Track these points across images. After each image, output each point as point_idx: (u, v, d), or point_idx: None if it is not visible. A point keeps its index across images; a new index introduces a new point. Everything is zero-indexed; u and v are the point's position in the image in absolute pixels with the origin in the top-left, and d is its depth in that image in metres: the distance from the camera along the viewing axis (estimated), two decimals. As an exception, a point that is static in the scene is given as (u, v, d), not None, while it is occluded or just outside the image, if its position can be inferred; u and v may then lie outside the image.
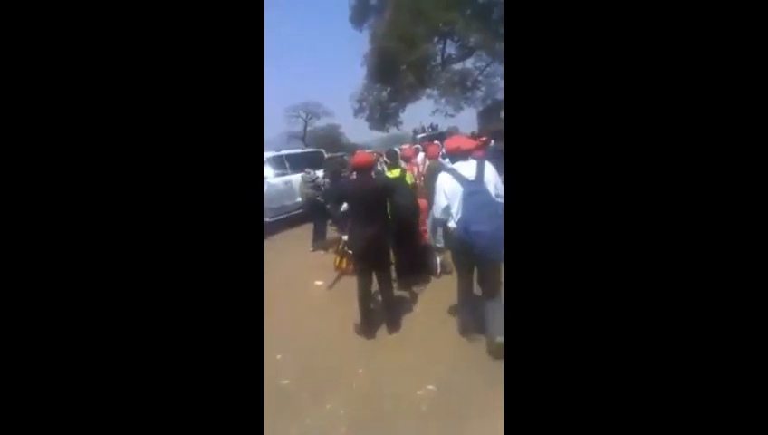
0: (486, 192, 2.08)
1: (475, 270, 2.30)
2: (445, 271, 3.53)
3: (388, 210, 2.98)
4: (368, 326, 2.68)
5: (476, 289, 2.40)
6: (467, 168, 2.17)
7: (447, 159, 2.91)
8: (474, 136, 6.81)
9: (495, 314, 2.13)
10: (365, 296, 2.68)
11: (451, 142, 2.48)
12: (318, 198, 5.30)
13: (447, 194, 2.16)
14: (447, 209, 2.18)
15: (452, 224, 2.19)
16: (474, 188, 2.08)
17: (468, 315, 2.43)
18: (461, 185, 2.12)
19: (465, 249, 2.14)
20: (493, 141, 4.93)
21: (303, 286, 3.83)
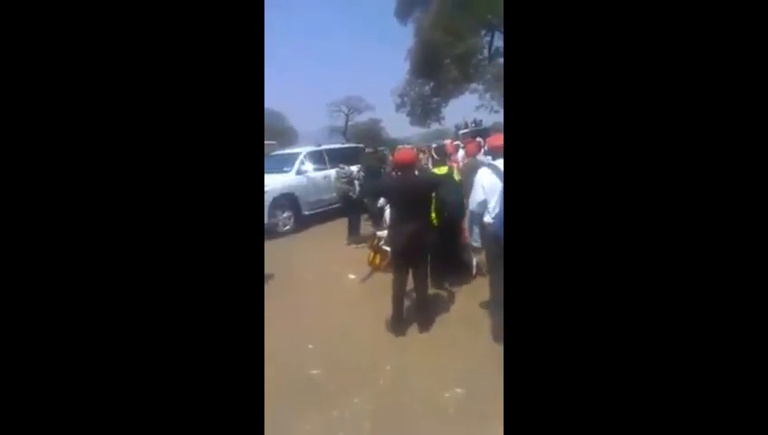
0: None
1: None
2: (480, 272, 3.42)
3: (433, 208, 2.96)
4: (398, 323, 2.67)
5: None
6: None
7: (490, 157, 2.88)
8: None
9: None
10: (399, 293, 2.67)
11: (494, 140, 2.55)
12: (351, 194, 5.31)
13: (486, 189, 2.22)
14: (484, 204, 2.24)
15: (488, 219, 2.24)
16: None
17: (499, 315, 2.37)
18: (500, 181, 2.14)
19: (499, 245, 2.14)
20: None
21: (337, 279, 3.89)
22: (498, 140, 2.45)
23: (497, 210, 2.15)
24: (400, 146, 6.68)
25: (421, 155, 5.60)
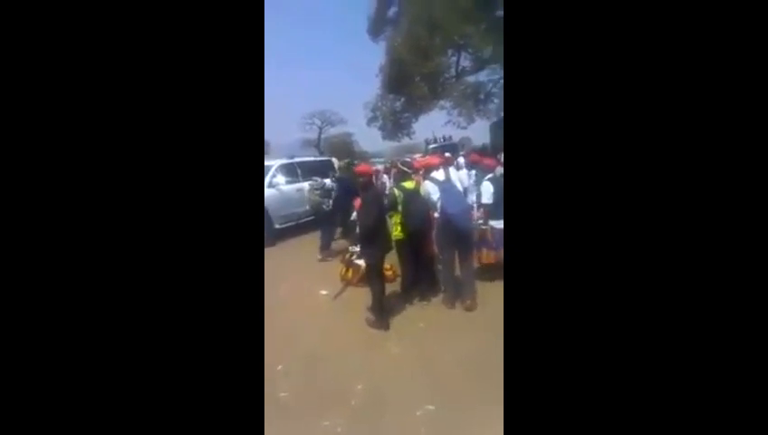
0: (455, 186, 3.24)
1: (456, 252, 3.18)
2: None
3: (398, 221, 3.19)
4: (382, 321, 2.91)
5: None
6: (439, 174, 3.29)
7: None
8: (482, 150, 7.39)
9: (469, 282, 3.17)
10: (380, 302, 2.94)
11: (422, 161, 3.85)
12: (325, 207, 5.26)
13: (431, 195, 3.20)
14: (434, 204, 3.20)
15: (435, 214, 3.21)
16: (446, 187, 3.18)
17: (451, 288, 3.19)
18: (437, 186, 3.18)
19: (445, 230, 3.10)
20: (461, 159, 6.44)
21: (309, 295, 3.82)
22: (427, 161, 3.76)
23: (439, 204, 3.12)
24: (356, 161, 7.04)
25: (396, 168, 5.69)
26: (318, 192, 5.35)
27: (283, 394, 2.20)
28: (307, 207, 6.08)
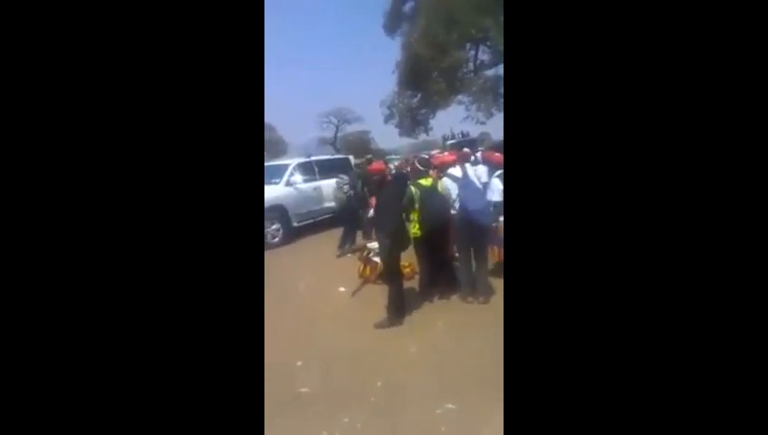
0: (473, 183, 3.19)
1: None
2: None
3: (416, 219, 3.12)
4: (398, 315, 2.91)
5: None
6: (456, 171, 3.29)
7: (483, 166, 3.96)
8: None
9: (485, 280, 3.19)
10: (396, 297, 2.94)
11: (438, 159, 3.83)
12: (352, 203, 5.37)
13: (450, 189, 3.22)
14: (452, 200, 3.19)
15: (453, 212, 3.16)
16: (464, 183, 3.18)
17: (468, 286, 3.21)
18: (455, 183, 3.20)
19: (464, 226, 3.08)
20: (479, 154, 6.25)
21: (327, 292, 3.85)
22: (441, 158, 3.75)
23: (458, 201, 3.13)
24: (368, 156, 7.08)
25: (412, 165, 5.67)
26: (345, 190, 5.45)
27: (303, 390, 2.23)
28: (325, 205, 6.17)
